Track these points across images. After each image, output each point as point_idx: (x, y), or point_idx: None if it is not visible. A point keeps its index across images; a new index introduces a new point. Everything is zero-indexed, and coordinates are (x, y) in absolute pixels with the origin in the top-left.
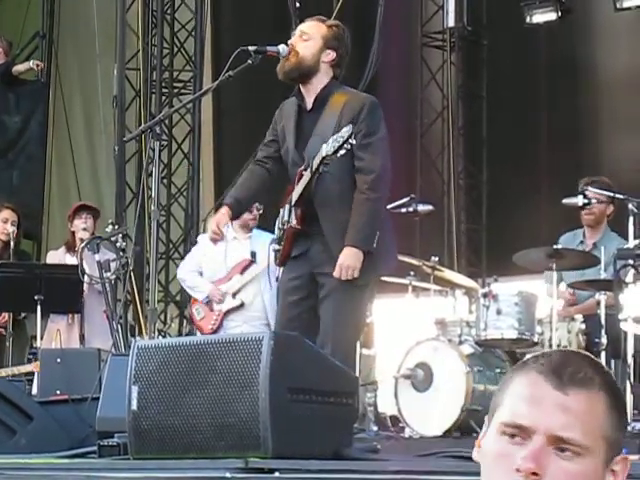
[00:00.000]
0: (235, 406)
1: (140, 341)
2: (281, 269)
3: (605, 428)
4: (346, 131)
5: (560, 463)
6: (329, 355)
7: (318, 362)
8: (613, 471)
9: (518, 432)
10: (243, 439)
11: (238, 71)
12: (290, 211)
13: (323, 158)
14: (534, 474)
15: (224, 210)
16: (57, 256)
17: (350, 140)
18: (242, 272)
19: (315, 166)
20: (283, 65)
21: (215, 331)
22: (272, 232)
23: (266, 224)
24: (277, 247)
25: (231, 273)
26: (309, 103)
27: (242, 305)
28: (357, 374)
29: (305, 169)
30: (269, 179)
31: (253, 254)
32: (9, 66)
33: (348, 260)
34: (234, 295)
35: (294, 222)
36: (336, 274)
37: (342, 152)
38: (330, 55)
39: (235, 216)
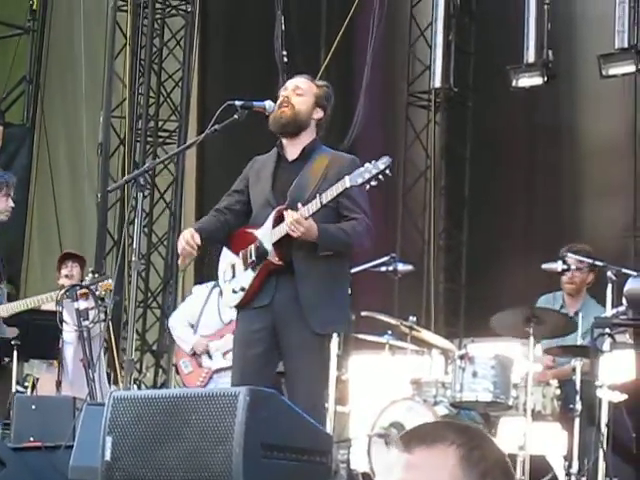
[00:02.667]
0: (209, 461)
1: (116, 392)
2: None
3: (456, 479)
4: (383, 162)
5: None
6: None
7: (293, 419)
8: None
9: None
10: None
11: (224, 125)
12: (260, 249)
13: (345, 189)
14: None
15: (192, 231)
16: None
17: (387, 172)
18: (234, 332)
19: (330, 197)
20: (279, 117)
21: (203, 387)
22: None
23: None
24: (239, 287)
25: (223, 331)
26: (292, 154)
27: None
28: (331, 431)
29: (286, 209)
30: (226, 227)
31: None
32: None
33: (306, 222)
34: (224, 354)
35: (275, 259)
36: (287, 216)
37: (374, 183)
38: (319, 114)
39: (202, 240)
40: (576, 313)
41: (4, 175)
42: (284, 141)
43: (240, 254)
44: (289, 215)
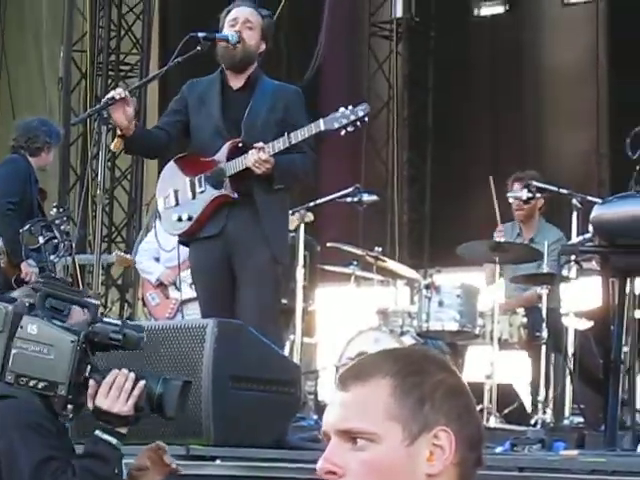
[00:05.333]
0: None
1: None
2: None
3: (392, 410)
4: (362, 109)
5: (356, 455)
6: None
7: (261, 351)
8: (437, 445)
9: (326, 439)
10: (185, 426)
11: (186, 58)
12: (213, 179)
13: (321, 132)
14: (332, 473)
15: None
16: None
17: (365, 119)
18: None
19: (301, 138)
20: (233, 54)
21: (171, 319)
22: None
23: None
24: (186, 216)
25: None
26: (237, 83)
27: None
28: (298, 362)
29: (244, 143)
30: (167, 139)
31: None
32: None
33: (271, 160)
34: (192, 285)
35: (232, 192)
36: (254, 153)
37: (350, 129)
38: (263, 47)
39: (132, 137)
40: (531, 240)
41: (57, 127)
42: (229, 71)
43: (187, 181)
44: (256, 153)
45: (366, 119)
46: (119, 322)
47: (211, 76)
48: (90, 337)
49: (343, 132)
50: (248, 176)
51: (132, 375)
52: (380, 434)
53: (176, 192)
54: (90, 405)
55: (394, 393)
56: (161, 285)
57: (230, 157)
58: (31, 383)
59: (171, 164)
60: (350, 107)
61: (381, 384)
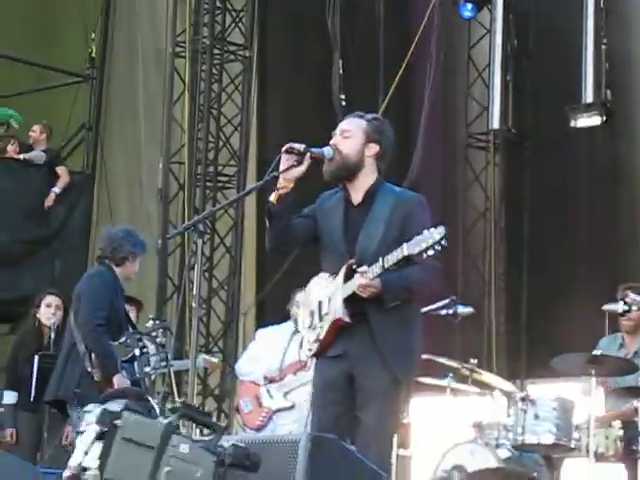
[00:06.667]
0: None
1: None
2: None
3: None
4: (438, 232)
5: None
6: (372, 458)
7: (354, 465)
8: None
9: None
10: None
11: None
12: (333, 302)
13: (405, 257)
14: None
15: None
16: None
17: (442, 242)
18: (295, 373)
19: (391, 262)
20: (330, 167)
21: (262, 427)
22: None
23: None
24: (314, 338)
25: (285, 372)
26: (357, 198)
27: (293, 406)
28: (393, 475)
29: (357, 265)
30: (294, 235)
31: None
32: (53, 156)
33: (374, 283)
34: (285, 395)
35: (346, 317)
36: (356, 278)
37: (430, 253)
38: (373, 149)
39: (286, 200)
40: (636, 353)
41: (141, 238)
42: (347, 184)
43: (317, 302)
44: (358, 279)
45: (443, 242)
46: (244, 445)
47: (340, 192)
48: (224, 458)
49: (425, 256)
50: (361, 298)
51: None
52: None
53: (311, 313)
54: None
55: None
56: (268, 382)
57: (347, 279)
58: None
59: (308, 287)
60: (431, 230)
61: None
